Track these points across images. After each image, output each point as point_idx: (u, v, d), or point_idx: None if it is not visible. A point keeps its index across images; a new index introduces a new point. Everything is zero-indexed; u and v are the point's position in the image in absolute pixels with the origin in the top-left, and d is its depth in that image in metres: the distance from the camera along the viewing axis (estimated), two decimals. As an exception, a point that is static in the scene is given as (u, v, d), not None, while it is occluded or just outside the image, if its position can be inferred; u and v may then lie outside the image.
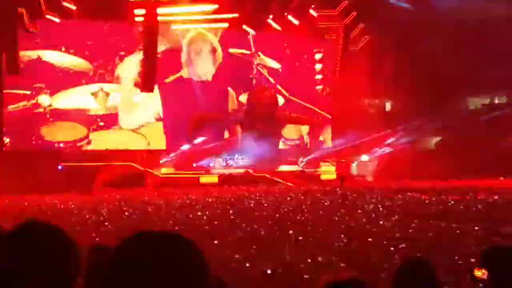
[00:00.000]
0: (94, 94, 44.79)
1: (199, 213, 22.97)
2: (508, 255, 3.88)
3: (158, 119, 47.07)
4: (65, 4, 40.01)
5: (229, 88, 49.71)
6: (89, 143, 44.41)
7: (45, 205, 27.75)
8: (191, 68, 48.48)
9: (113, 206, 26.89)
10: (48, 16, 40.02)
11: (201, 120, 47.42)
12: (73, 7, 40.50)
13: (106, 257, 1.65)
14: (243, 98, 50.26)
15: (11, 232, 2.27)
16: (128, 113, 45.79)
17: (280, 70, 51.77)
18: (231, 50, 49.65)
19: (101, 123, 44.90)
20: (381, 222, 19.03)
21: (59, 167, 41.01)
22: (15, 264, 2.09)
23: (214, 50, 49.23)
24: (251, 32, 49.62)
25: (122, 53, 45.37)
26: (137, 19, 41.69)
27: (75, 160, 41.50)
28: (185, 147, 46.62)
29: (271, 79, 51.60)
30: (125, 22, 43.53)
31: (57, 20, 40.67)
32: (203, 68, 49.02)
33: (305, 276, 10.57)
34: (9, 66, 37.76)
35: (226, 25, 47.18)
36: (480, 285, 3.78)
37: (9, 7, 36.68)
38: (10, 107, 41.79)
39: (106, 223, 19.45)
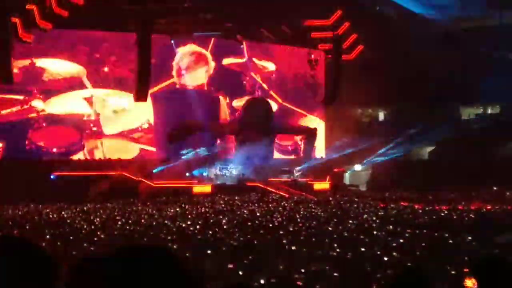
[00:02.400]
0: (87, 100, 44.91)
1: (192, 223, 22.93)
2: (496, 265, 3.90)
3: (149, 125, 47.24)
4: (58, 12, 39.92)
5: (220, 97, 49.85)
6: (82, 148, 44.52)
7: (37, 214, 27.67)
8: (182, 78, 48.65)
9: (106, 216, 26.84)
10: (40, 25, 39.98)
11: (192, 127, 47.45)
12: (65, 14, 40.42)
13: (94, 268, 1.65)
14: (236, 103, 50.39)
15: None
16: (114, 120, 45.98)
17: (274, 75, 52.01)
18: (225, 62, 49.84)
19: (94, 128, 45.04)
20: (374, 232, 19.04)
21: (52, 177, 40.90)
22: None
23: (206, 63, 49.42)
24: (245, 41, 49.81)
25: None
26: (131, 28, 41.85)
27: (68, 169, 41.44)
28: (178, 156, 46.58)
29: (264, 85, 51.75)
30: (119, 30, 43.73)
31: (49, 28, 40.64)
32: (195, 79, 49.21)
33: (299, 283, 10.57)
34: (3, 76, 37.70)
35: (219, 33, 47.37)
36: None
37: (2, 17, 36.62)
38: (3, 112, 41.89)
39: (98, 233, 19.39)
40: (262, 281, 10.90)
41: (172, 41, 47.50)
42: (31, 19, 38.52)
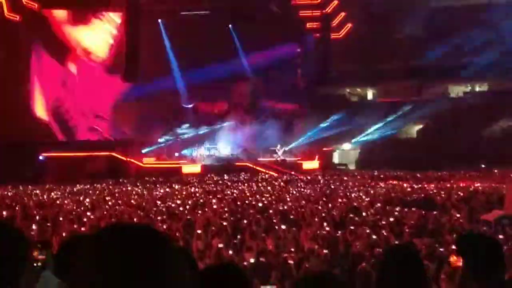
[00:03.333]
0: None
1: (181, 203, 22.95)
2: (480, 243, 3.93)
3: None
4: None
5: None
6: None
7: (26, 195, 27.60)
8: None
9: (96, 196, 26.81)
10: (27, 3, 39.72)
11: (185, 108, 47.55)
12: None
13: (83, 247, 1.66)
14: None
15: None
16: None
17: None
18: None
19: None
20: (363, 210, 19.10)
21: (40, 158, 40.78)
22: None
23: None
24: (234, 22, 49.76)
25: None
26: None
27: (56, 150, 41.33)
28: (168, 137, 46.64)
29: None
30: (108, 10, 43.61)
31: (36, 7, 40.43)
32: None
33: (290, 262, 10.61)
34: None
35: (207, 12, 47.24)
36: (460, 271, 3.83)
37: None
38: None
39: (88, 213, 19.38)
40: (252, 260, 10.94)
41: (160, 21, 47.31)
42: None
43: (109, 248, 1.56)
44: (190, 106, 47.61)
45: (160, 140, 47.01)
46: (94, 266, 1.56)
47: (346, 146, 52.50)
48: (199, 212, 19.54)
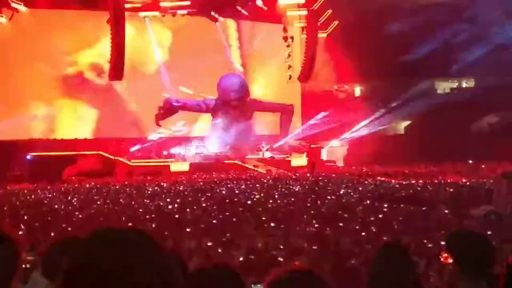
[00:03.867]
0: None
1: (170, 201, 22.92)
2: (470, 239, 3.95)
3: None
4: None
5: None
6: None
7: (14, 195, 27.49)
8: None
9: (83, 196, 26.73)
10: (13, 5, 39.52)
11: (172, 106, 47.30)
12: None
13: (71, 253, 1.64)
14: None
15: None
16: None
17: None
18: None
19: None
20: (352, 207, 19.13)
21: (28, 157, 40.60)
22: None
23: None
24: (220, 19, 49.64)
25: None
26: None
27: (44, 149, 41.13)
28: (155, 135, 46.55)
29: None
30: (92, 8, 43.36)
31: (22, 8, 40.23)
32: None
33: (279, 259, 10.61)
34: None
35: (193, 10, 47.08)
36: (450, 268, 3.84)
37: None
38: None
39: (77, 213, 19.31)
40: (241, 258, 10.93)
41: (147, 20, 47.21)
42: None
43: (101, 253, 1.55)
44: (178, 104, 47.42)
45: (151, 137, 46.88)
46: (86, 271, 1.54)
47: (334, 143, 52.56)
48: (188, 210, 19.52)
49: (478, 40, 48.79)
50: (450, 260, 3.80)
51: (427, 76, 53.08)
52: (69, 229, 14.91)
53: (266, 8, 49.02)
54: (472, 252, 3.77)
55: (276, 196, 24.40)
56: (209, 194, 25.63)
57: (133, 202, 23.13)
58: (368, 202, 20.81)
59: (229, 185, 30.67)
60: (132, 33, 44.39)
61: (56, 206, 22.07)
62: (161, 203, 22.29)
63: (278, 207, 19.88)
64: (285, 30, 51.56)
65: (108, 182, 34.77)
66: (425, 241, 11.77)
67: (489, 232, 11.30)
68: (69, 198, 25.63)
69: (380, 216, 16.59)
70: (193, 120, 50.36)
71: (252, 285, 7.89)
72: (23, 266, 3.83)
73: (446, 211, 17.49)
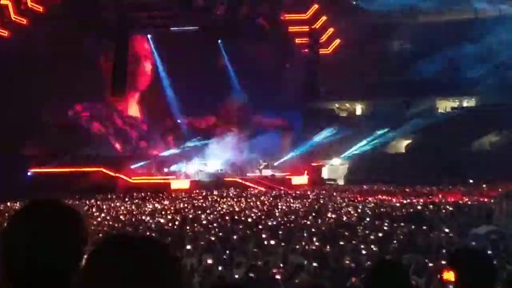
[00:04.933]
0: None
1: (170, 218, 22.89)
2: (473, 256, 3.94)
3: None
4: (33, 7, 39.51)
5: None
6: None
7: (14, 211, 27.36)
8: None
9: (84, 212, 26.66)
10: (15, 19, 39.65)
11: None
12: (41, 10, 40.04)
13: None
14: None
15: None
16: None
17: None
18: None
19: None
20: (352, 225, 19.09)
21: (29, 174, 40.57)
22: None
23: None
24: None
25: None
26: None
27: (45, 166, 41.08)
28: (175, 150, 46.79)
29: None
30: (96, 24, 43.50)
31: (24, 22, 40.36)
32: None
33: (277, 277, 10.58)
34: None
35: (196, 28, 47.31)
36: (450, 286, 3.84)
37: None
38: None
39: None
40: (239, 276, 10.91)
41: (149, 37, 47.39)
42: (6, 14, 38.23)
43: (112, 261, 1.55)
44: (183, 121, 47.59)
45: (164, 154, 47.08)
46: (96, 280, 1.55)
47: (335, 161, 52.47)
48: (188, 227, 19.48)
49: (480, 59, 48.91)
50: (452, 278, 3.79)
51: (428, 95, 53.09)
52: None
53: (267, 25, 49.18)
54: (476, 268, 3.77)
55: (277, 213, 24.36)
56: (209, 211, 25.59)
57: (133, 219, 23.10)
58: (368, 220, 20.77)
59: (229, 202, 30.63)
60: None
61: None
62: (161, 220, 22.26)
63: (278, 225, 19.84)
64: (287, 48, 51.69)
65: (109, 199, 34.71)
66: (426, 260, 11.73)
67: (489, 252, 11.28)
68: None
69: (381, 234, 16.54)
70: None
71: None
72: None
73: (447, 230, 17.44)
